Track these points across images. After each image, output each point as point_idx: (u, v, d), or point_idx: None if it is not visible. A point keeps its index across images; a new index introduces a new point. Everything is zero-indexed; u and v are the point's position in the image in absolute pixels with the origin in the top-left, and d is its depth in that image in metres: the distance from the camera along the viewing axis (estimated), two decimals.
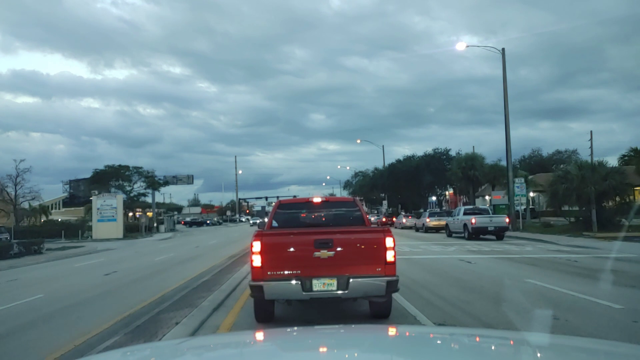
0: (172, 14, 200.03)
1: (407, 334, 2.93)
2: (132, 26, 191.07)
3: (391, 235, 6.72)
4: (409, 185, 64.94)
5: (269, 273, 6.58)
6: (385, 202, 67.54)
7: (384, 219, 48.70)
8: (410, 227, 41.11)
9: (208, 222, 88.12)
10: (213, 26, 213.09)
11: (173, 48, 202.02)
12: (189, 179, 70.60)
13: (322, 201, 8.61)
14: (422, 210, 49.31)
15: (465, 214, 27.63)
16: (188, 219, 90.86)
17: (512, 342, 2.40)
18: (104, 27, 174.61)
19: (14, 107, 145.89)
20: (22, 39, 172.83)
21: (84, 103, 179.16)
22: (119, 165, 58.04)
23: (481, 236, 25.62)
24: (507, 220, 26.70)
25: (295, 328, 3.31)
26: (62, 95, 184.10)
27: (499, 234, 25.40)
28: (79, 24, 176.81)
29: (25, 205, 50.57)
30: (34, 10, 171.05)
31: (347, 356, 2.20)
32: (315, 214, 8.54)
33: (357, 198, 11.38)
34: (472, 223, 25.65)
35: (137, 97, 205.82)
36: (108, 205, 46.55)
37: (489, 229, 25.39)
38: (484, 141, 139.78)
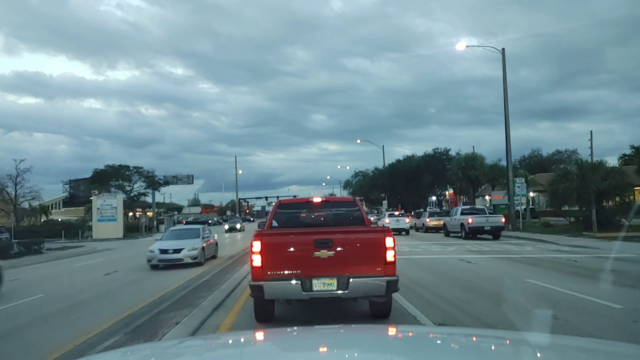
0: (176, 16, 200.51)
1: (407, 334, 2.93)
2: (136, 28, 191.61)
3: (391, 235, 6.72)
4: (409, 185, 64.96)
5: (269, 273, 6.58)
6: (385, 202, 67.49)
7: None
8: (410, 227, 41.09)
9: (209, 221, 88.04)
10: (216, 28, 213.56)
11: (176, 49, 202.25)
12: (189, 179, 70.56)
13: (322, 201, 8.60)
14: (422, 210, 49.27)
15: (462, 214, 27.90)
16: (189, 219, 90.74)
17: (512, 342, 2.40)
18: (108, 29, 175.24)
19: (17, 107, 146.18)
20: (27, 41, 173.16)
21: (86, 104, 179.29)
22: (119, 165, 58.08)
23: (478, 235, 25.80)
24: (503, 220, 26.85)
25: (295, 328, 3.30)
26: (64, 96, 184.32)
27: (495, 233, 25.70)
28: (83, 26, 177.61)
29: (26, 205, 50.65)
30: (39, 13, 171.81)
31: (347, 356, 2.20)
32: (315, 214, 8.54)
33: (357, 198, 11.36)
34: (468, 223, 25.87)
35: (139, 98, 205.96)
36: (108, 205, 46.54)
37: (486, 228, 25.67)
38: (484, 141, 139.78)
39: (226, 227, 52.38)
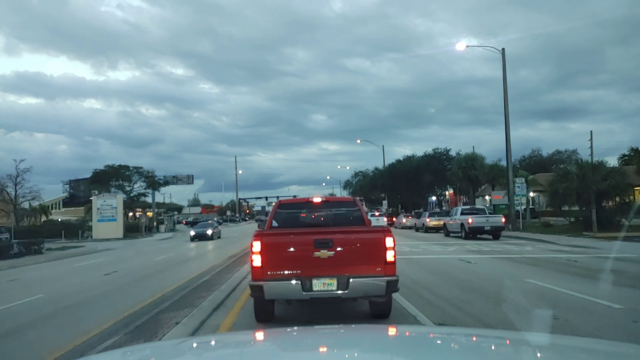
0: (176, 17, 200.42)
1: (407, 334, 2.94)
2: (137, 28, 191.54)
3: (391, 235, 6.72)
4: (409, 185, 64.94)
5: (269, 273, 6.58)
6: (385, 202, 67.52)
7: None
8: (410, 227, 41.09)
9: (209, 221, 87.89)
10: (216, 28, 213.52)
11: (176, 50, 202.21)
12: (189, 179, 70.59)
13: (322, 201, 8.60)
14: (422, 210, 49.28)
15: (462, 214, 27.86)
16: (190, 219, 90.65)
17: (512, 342, 2.40)
18: (109, 29, 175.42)
19: (18, 108, 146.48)
20: (27, 41, 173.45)
21: (87, 104, 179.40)
22: (119, 165, 58.05)
23: (478, 235, 25.79)
24: (503, 220, 26.87)
25: (295, 328, 3.31)
26: (65, 96, 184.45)
27: (495, 233, 25.69)
28: (84, 27, 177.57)
29: (26, 205, 50.62)
30: (39, 13, 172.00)
31: (347, 356, 2.20)
32: (315, 214, 8.53)
33: (357, 198, 11.36)
34: (468, 223, 25.84)
35: (139, 98, 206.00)
36: (108, 205, 46.55)
37: (486, 228, 25.64)
38: (484, 141, 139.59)
39: (192, 233, 36.90)
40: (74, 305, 10.34)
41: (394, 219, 48.67)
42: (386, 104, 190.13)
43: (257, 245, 6.61)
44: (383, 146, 69.45)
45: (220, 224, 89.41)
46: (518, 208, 31.62)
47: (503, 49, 30.93)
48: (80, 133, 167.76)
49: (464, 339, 2.57)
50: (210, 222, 45.31)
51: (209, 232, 36.14)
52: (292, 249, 6.78)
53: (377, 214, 44.69)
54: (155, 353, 2.46)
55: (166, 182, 64.77)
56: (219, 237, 37.31)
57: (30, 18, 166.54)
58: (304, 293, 6.52)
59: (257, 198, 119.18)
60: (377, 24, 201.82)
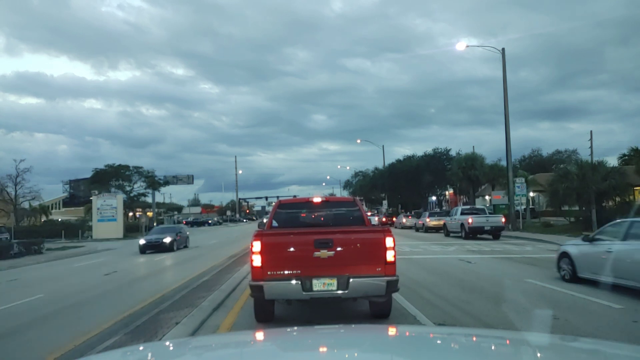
0: (176, 17, 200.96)
1: (407, 334, 2.94)
2: (137, 29, 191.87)
3: (391, 235, 6.72)
4: (409, 185, 64.91)
5: (269, 273, 6.58)
6: (385, 202, 67.52)
7: (383, 219, 48.54)
8: (410, 227, 41.09)
9: (209, 221, 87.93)
10: (216, 28, 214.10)
11: (177, 50, 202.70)
12: (189, 179, 70.67)
13: (322, 201, 8.60)
14: (422, 210, 49.25)
15: (462, 214, 27.86)
16: (190, 219, 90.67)
17: (512, 342, 2.40)
18: (109, 29, 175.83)
19: (18, 108, 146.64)
20: (28, 42, 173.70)
21: (87, 104, 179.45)
22: (119, 165, 58.03)
23: (478, 235, 25.79)
24: (503, 220, 26.86)
25: (295, 328, 3.31)
26: (65, 96, 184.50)
27: (495, 233, 25.70)
28: (84, 27, 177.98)
29: (26, 205, 50.63)
30: (40, 13, 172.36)
31: (347, 356, 2.20)
32: (315, 214, 8.54)
33: (357, 198, 11.36)
34: (468, 223, 25.84)
35: (140, 98, 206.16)
36: (108, 205, 46.56)
37: (486, 228, 25.64)
38: (484, 141, 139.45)
39: (141, 242, 26.19)
40: (74, 305, 10.34)
41: (394, 219, 48.64)
42: (386, 104, 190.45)
43: (257, 245, 6.61)
44: (383, 146, 69.51)
45: (220, 223, 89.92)
46: (518, 208, 31.61)
47: (503, 49, 30.93)
48: (81, 133, 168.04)
49: (464, 339, 2.57)
50: (172, 228, 30.76)
51: (167, 240, 25.80)
52: (292, 249, 6.78)
53: (369, 213, 45.08)
54: (155, 353, 2.46)
55: (166, 182, 64.79)
56: (185, 247, 28.09)
57: (30, 18, 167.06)
58: (304, 293, 6.52)
59: (257, 198, 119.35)
60: (377, 24, 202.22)
